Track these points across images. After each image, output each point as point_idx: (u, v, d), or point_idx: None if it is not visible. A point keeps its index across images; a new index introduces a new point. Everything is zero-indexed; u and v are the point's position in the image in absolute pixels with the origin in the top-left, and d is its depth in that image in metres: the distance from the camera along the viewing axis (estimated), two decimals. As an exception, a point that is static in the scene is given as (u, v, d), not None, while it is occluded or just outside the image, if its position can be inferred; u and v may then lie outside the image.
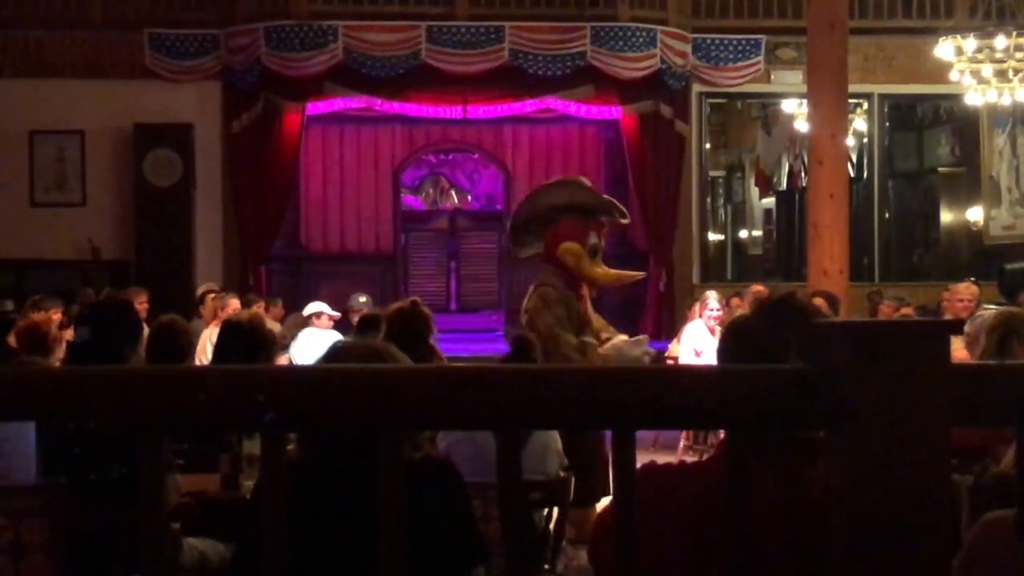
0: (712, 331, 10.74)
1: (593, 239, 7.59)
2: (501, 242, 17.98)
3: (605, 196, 8.46)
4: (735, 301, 11.87)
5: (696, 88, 16.47)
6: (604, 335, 7.78)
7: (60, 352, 7.18)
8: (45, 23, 15.63)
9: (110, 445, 4.15)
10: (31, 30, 15.62)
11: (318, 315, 11.50)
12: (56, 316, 10.10)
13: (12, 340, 7.95)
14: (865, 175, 17.26)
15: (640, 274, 9.64)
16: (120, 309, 5.47)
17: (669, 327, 15.13)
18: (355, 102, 16.22)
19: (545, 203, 7.65)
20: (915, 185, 19.20)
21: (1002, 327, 5.20)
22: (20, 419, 1.63)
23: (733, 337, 2.66)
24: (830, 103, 12.00)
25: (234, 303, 10.72)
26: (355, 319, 9.83)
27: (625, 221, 8.07)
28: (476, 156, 19.35)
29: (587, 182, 8.29)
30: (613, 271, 8.15)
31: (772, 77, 16.54)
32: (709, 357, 10.23)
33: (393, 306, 7.10)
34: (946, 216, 18.42)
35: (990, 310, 8.20)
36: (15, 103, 15.49)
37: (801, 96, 14.79)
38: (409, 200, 19.75)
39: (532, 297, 7.48)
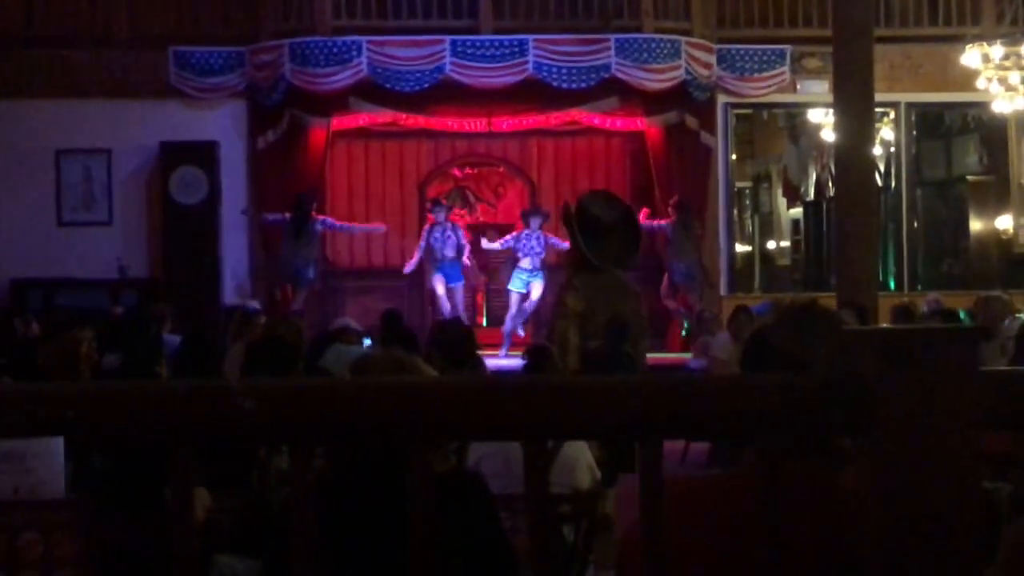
0: None
1: None
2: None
3: None
4: None
5: (721, 99, 16.44)
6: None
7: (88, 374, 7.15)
8: (71, 43, 15.72)
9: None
10: (57, 50, 15.72)
11: (344, 330, 11.50)
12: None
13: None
14: (893, 184, 17.18)
15: None
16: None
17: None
18: (380, 117, 16.25)
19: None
20: (943, 193, 19.08)
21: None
22: (49, 435, 1.63)
23: (756, 346, 2.64)
24: (857, 112, 11.98)
25: (259, 321, 10.73)
26: None
27: None
28: (501, 170, 19.33)
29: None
30: None
31: (798, 87, 16.50)
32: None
33: (436, 321, 7.17)
34: (975, 224, 18.29)
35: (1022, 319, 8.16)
36: (42, 123, 15.59)
37: (827, 105, 14.77)
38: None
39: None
